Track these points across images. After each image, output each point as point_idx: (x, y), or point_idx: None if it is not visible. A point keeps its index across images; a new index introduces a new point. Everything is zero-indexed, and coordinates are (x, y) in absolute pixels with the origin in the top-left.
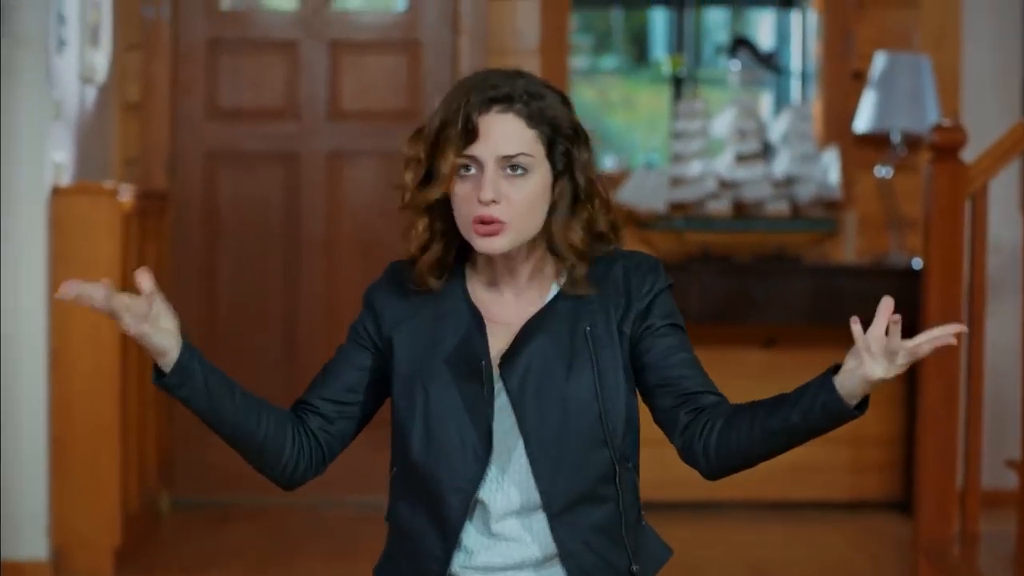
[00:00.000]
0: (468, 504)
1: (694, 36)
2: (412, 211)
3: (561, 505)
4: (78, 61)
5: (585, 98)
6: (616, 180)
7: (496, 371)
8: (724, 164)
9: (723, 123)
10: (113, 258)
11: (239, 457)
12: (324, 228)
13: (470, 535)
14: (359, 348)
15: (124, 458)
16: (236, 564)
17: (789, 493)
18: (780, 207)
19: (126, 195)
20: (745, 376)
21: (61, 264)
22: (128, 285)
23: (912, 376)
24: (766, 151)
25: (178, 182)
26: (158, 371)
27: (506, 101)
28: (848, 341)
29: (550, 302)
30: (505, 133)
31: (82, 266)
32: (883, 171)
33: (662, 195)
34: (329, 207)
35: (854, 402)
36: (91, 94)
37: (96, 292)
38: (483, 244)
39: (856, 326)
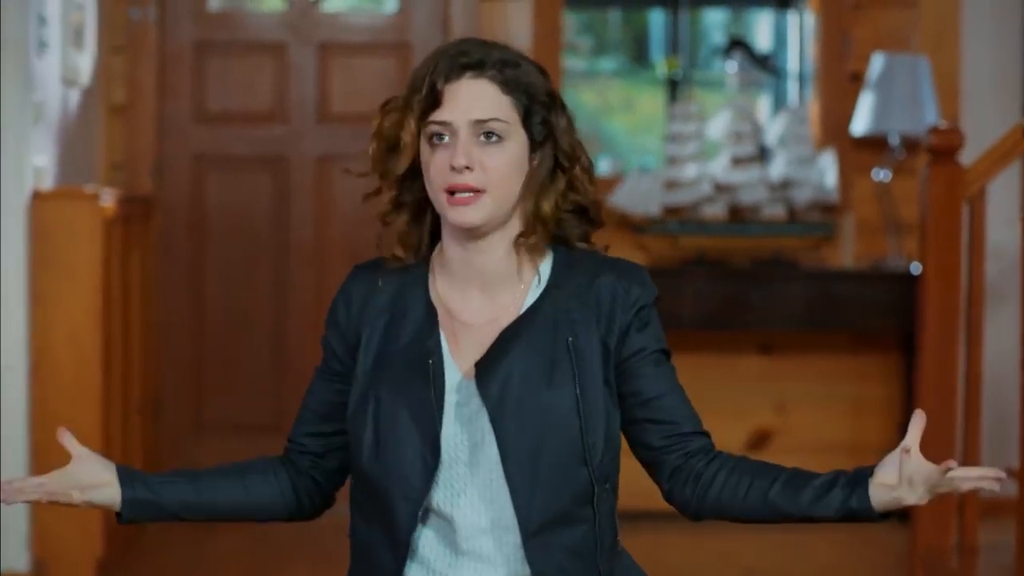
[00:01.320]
0: (416, 514)
1: (691, 38)
2: (381, 183)
3: (536, 525)
4: (60, 63)
5: (584, 100)
6: (610, 183)
7: (457, 377)
8: (719, 167)
9: (718, 126)
10: (95, 264)
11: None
12: (313, 233)
13: (432, 551)
14: (329, 374)
15: None
16: (222, 575)
17: None
18: (776, 211)
19: (109, 200)
20: (741, 383)
21: (41, 270)
22: (111, 291)
23: (909, 383)
24: (762, 154)
25: (165, 187)
26: (117, 514)
27: (478, 67)
28: (845, 348)
29: (530, 308)
30: (477, 97)
31: (63, 272)
32: (881, 174)
33: (656, 199)
34: (318, 212)
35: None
36: (74, 97)
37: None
38: (456, 214)
39: (906, 454)
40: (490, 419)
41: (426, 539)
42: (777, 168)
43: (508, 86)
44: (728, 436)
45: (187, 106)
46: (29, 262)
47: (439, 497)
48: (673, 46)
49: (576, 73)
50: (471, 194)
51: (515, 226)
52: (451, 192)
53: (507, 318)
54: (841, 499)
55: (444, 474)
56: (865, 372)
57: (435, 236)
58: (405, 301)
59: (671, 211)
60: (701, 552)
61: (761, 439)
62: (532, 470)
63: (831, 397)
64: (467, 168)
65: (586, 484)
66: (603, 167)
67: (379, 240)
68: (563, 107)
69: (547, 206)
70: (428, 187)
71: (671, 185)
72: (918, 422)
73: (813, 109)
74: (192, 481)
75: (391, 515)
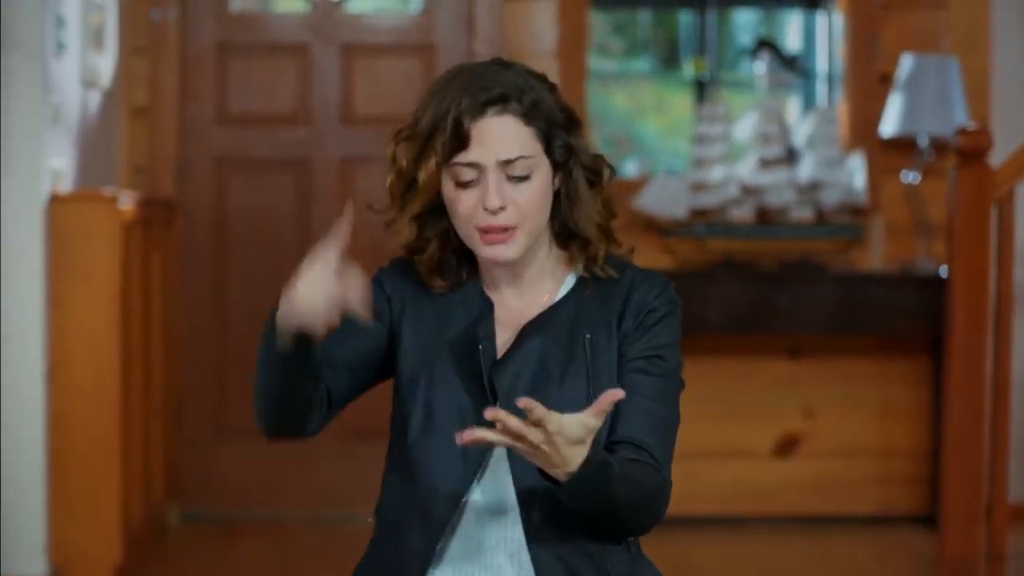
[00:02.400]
0: (460, 497)
1: (720, 39)
2: (399, 219)
3: (540, 517)
4: (80, 65)
5: (616, 101)
6: (636, 186)
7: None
8: (747, 169)
9: (746, 127)
10: (113, 268)
11: (250, 469)
12: None
13: (468, 538)
14: (373, 320)
15: (126, 472)
16: None
17: (813, 507)
18: (804, 213)
19: (128, 203)
20: (768, 387)
21: (59, 274)
22: (130, 295)
23: (938, 386)
24: (790, 156)
25: (187, 189)
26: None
27: (501, 101)
28: (873, 351)
29: (555, 305)
30: (503, 136)
31: (81, 276)
32: (910, 176)
33: (683, 201)
34: (341, 214)
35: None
36: (94, 99)
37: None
38: (492, 253)
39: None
40: (501, 406)
41: (464, 525)
42: (805, 170)
43: (528, 117)
44: (755, 440)
45: (209, 108)
46: (47, 265)
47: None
48: (700, 47)
49: (607, 74)
50: (505, 232)
51: (545, 240)
52: (484, 232)
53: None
54: None
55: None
56: (894, 376)
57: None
58: (456, 293)
59: (698, 214)
60: (725, 558)
61: (789, 443)
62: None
63: (859, 401)
64: (502, 208)
65: None
66: (630, 169)
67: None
68: (578, 122)
69: (590, 226)
70: (456, 224)
71: (698, 187)
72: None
73: (842, 110)
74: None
75: (430, 497)
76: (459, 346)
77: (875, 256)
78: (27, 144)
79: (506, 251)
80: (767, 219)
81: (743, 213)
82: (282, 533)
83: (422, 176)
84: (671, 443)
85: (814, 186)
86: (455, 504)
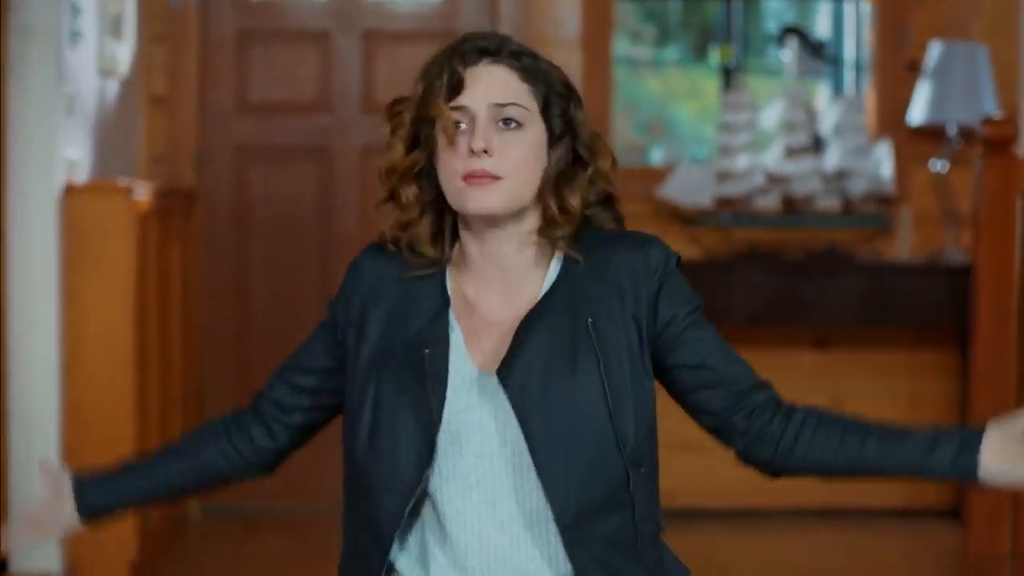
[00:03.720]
0: (404, 508)
1: (751, 26)
2: (398, 181)
3: (573, 517)
4: (96, 53)
5: (650, 87)
6: (662, 174)
7: (474, 371)
8: (773, 158)
9: (772, 115)
10: (128, 259)
11: None
12: (358, 224)
13: (421, 547)
14: (327, 336)
15: None
16: None
17: (838, 500)
18: (831, 203)
19: (143, 193)
20: (795, 378)
21: (73, 266)
22: (146, 286)
23: (967, 378)
24: (817, 144)
25: (207, 178)
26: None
27: (496, 53)
28: (901, 342)
29: (546, 294)
30: (496, 82)
31: (96, 268)
32: (938, 165)
33: (708, 190)
34: (364, 202)
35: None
36: (112, 88)
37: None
38: (474, 199)
39: None
40: (515, 412)
41: (416, 535)
42: (832, 158)
43: (526, 73)
44: None
45: (229, 96)
46: (61, 257)
47: (450, 491)
48: (727, 34)
49: (639, 61)
50: (489, 178)
51: (531, 220)
52: (467, 177)
53: (524, 303)
54: (950, 460)
55: (455, 467)
56: (922, 367)
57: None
58: (418, 289)
59: (723, 203)
60: (748, 551)
61: None
62: (563, 461)
63: (887, 392)
64: (485, 152)
65: (620, 470)
66: (656, 158)
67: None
68: (579, 100)
69: (574, 201)
70: (442, 179)
71: (723, 176)
72: None
73: (869, 98)
74: (144, 470)
75: (380, 506)
76: (413, 346)
77: (903, 246)
78: (41, 135)
79: (489, 196)
80: (793, 208)
81: (769, 202)
82: (303, 527)
83: (440, 120)
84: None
85: (841, 175)
86: (402, 512)
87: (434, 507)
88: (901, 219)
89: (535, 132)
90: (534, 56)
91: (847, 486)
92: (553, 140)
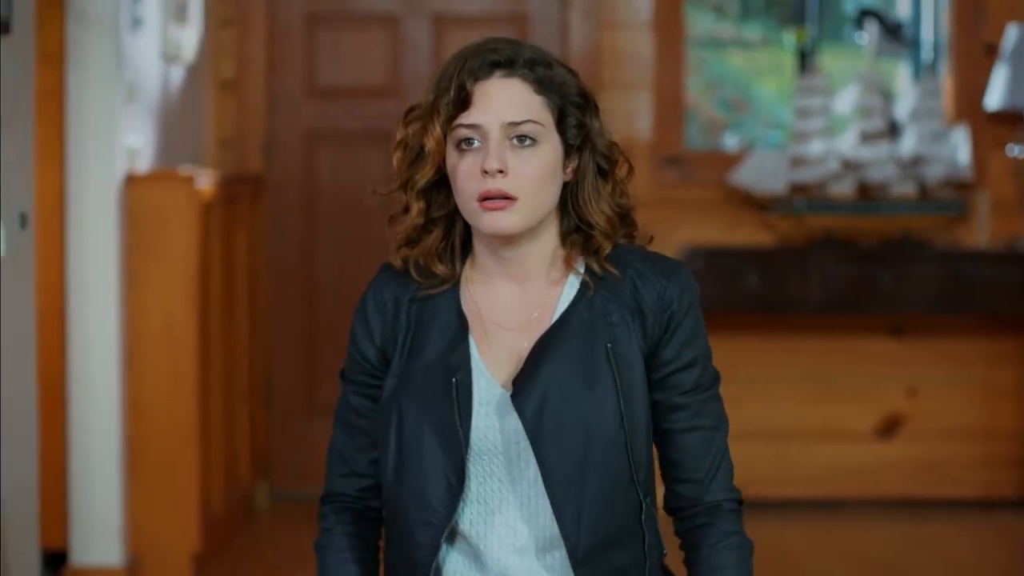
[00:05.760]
0: (439, 539)
1: (826, 7)
2: (407, 196)
3: (585, 549)
4: (160, 39)
5: (733, 63)
6: (734, 160)
7: (497, 390)
8: (848, 143)
9: (847, 99)
10: (190, 248)
11: None
12: None
13: (459, 574)
14: (365, 387)
15: (205, 456)
16: None
17: (915, 491)
18: (907, 189)
19: (206, 182)
20: (870, 367)
21: (134, 256)
22: (209, 275)
23: None
24: (893, 129)
25: (275, 164)
26: None
27: (509, 65)
28: (978, 330)
29: (564, 313)
30: (509, 98)
31: (157, 257)
32: (1016, 150)
33: (782, 176)
34: None
35: None
36: (177, 74)
37: None
38: (490, 221)
39: None
40: (528, 438)
41: (452, 562)
42: (908, 144)
43: (541, 85)
44: (858, 421)
45: (298, 81)
46: (122, 247)
47: (470, 513)
48: (801, 15)
49: (722, 38)
50: (505, 199)
51: (550, 234)
52: (483, 199)
53: (543, 320)
54: None
55: (477, 490)
56: (999, 355)
57: (465, 249)
58: (435, 310)
59: (797, 189)
60: (825, 545)
61: (892, 424)
62: (577, 491)
63: (964, 381)
64: (500, 172)
65: (634, 501)
66: (730, 143)
67: (390, 221)
68: (596, 108)
69: (600, 218)
70: (457, 196)
71: (797, 162)
72: None
73: (946, 82)
74: None
75: (412, 540)
76: (434, 372)
77: (980, 232)
78: (101, 123)
79: (503, 219)
80: (868, 195)
81: (843, 188)
82: None
83: (428, 143)
84: (728, 453)
85: (917, 160)
86: (436, 544)
87: (457, 528)
88: (978, 205)
89: (550, 147)
90: (548, 64)
91: (926, 476)
92: (570, 151)
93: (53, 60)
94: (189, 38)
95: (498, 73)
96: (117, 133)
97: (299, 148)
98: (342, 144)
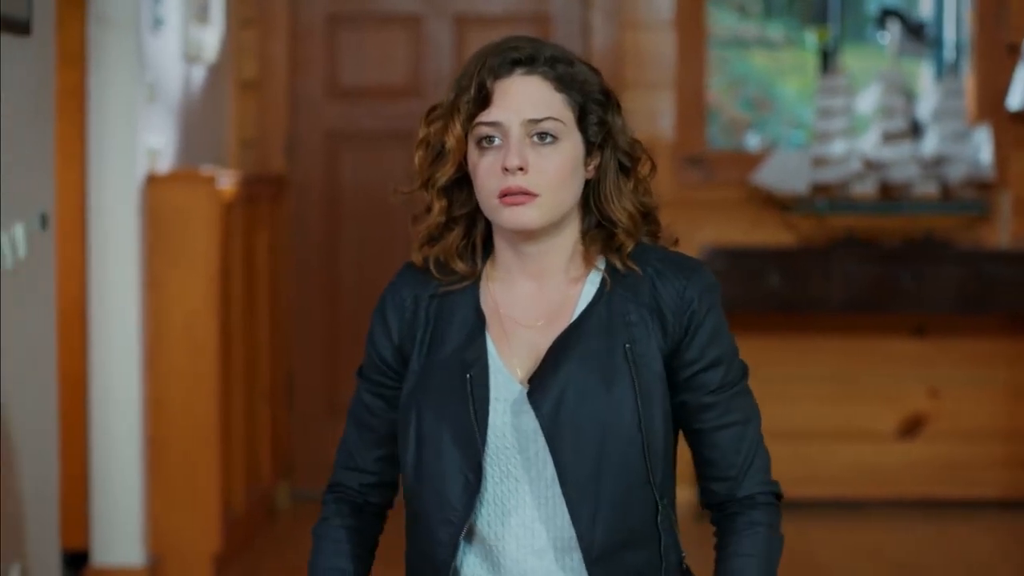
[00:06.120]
0: (458, 537)
1: (848, 7)
2: (428, 194)
3: (600, 549)
4: (181, 39)
5: (756, 63)
6: (756, 160)
7: (516, 387)
8: (869, 143)
9: (869, 99)
10: (211, 249)
11: None
12: None
13: (476, 573)
14: (380, 387)
15: (225, 458)
16: None
17: (937, 491)
18: (929, 189)
19: (227, 182)
20: (892, 367)
21: (155, 256)
22: (230, 276)
23: None
24: (915, 129)
25: (297, 164)
26: None
27: (529, 63)
28: (1001, 331)
29: (583, 313)
30: (530, 95)
31: (177, 257)
32: None
33: (804, 176)
34: None
35: None
36: (198, 74)
37: None
38: (511, 217)
39: None
40: (545, 437)
41: (469, 562)
42: (930, 144)
43: (562, 83)
44: (880, 422)
45: (319, 81)
46: (143, 247)
47: (487, 514)
48: (822, 14)
49: (745, 37)
50: (526, 195)
51: (571, 231)
52: (503, 195)
53: (562, 318)
54: None
55: (494, 490)
56: (1021, 355)
57: (487, 248)
58: (453, 306)
59: (819, 189)
60: (845, 546)
61: (914, 424)
62: (593, 491)
63: (986, 381)
64: (520, 169)
65: (650, 502)
66: (752, 143)
67: (413, 219)
68: (618, 106)
69: (622, 215)
70: (478, 193)
71: (819, 162)
72: None
73: (968, 82)
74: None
75: (432, 538)
76: (450, 368)
77: (1002, 232)
78: (122, 123)
79: (524, 214)
80: (890, 195)
81: (865, 188)
82: (396, 511)
83: (449, 142)
84: (763, 445)
85: (939, 160)
86: (456, 542)
87: (474, 529)
88: (1000, 205)
89: (572, 144)
90: (570, 62)
91: (948, 477)
92: (591, 149)
93: (74, 61)
94: (211, 38)
95: (519, 71)
96: (138, 133)
97: (321, 148)
98: (364, 144)
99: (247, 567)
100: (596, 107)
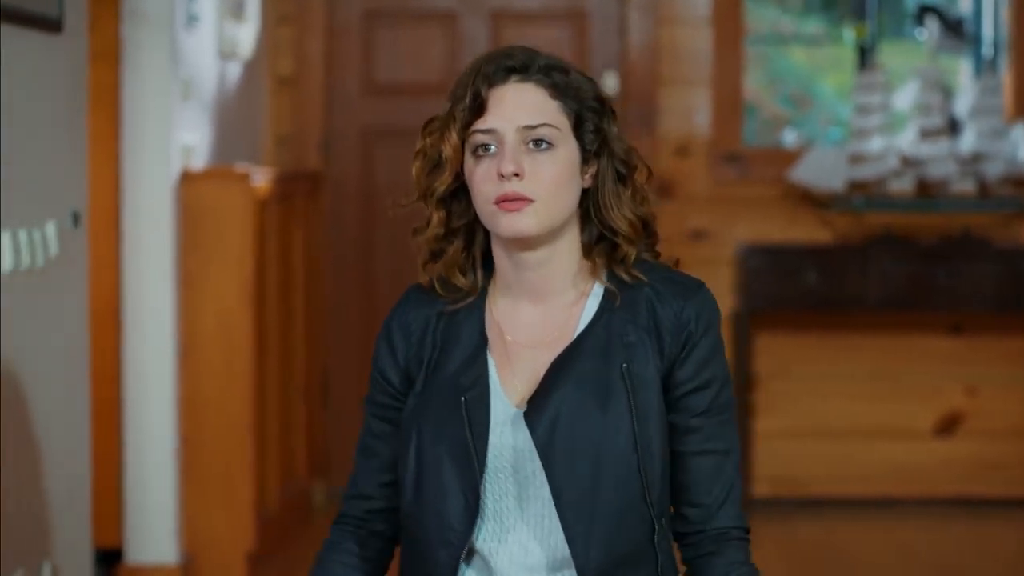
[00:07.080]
0: (458, 559)
1: (884, 1)
2: (427, 205)
3: (596, 568)
4: (216, 36)
5: (794, 60)
6: (793, 157)
7: (511, 409)
8: (907, 140)
9: (906, 96)
10: (245, 246)
11: None
12: None
13: None
14: (386, 410)
15: (261, 455)
16: None
17: (973, 490)
18: (966, 186)
19: (262, 179)
20: (929, 365)
21: (190, 254)
22: (264, 273)
23: None
24: (952, 126)
25: (333, 161)
26: None
27: (524, 71)
28: None
29: (582, 333)
30: (524, 102)
31: (211, 254)
32: None
33: (841, 173)
34: None
35: None
36: (234, 70)
37: None
38: (507, 222)
39: None
40: (540, 457)
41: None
42: (967, 141)
43: (557, 90)
44: (916, 419)
45: (356, 78)
46: (177, 245)
47: (485, 532)
48: (861, 11)
49: (783, 34)
50: (520, 201)
51: (568, 242)
52: (499, 201)
53: (563, 338)
54: None
55: (493, 507)
56: None
57: (488, 264)
58: (459, 328)
59: (856, 186)
60: (881, 544)
61: (951, 422)
62: (588, 511)
63: (1022, 380)
64: (516, 175)
65: (647, 522)
66: (789, 140)
67: (414, 233)
68: (613, 114)
69: (622, 223)
70: (475, 200)
71: (856, 159)
72: None
73: (1006, 78)
74: None
75: (431, 559)
76: (450, 389)
77: None
78: (156, 120)
79: (523, 219)
80: (927, 192)
81: (903, 186)
82: None
83: (445, 151)
84: (739, 479)
85: (976, 157)
86: (456, 564)
87: (473, 548)
88: None
89: (567, 151)
90: (565, 70)
91: (985, 475)
92: (587, 157)
93: (108, 58)
94: (246, 35)
95: (513, 78)
96: (173, 130)
97: (357, 145)
98: (400, 141)
99: (282, 566)
100: (591, 115)
